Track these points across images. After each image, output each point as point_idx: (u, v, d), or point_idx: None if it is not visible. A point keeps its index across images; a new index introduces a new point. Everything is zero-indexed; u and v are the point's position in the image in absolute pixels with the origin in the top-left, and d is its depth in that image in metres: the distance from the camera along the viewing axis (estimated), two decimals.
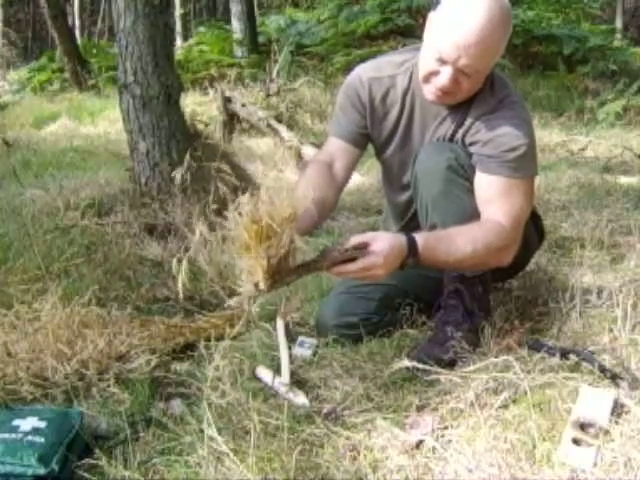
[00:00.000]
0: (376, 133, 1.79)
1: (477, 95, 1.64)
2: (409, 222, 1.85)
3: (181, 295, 1.34)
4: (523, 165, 1.61)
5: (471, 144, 1.65)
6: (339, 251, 1.42)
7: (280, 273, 1.35)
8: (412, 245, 1.48)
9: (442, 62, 1.54)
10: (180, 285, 1.33)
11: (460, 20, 1.50)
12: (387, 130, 1.77)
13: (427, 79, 1.60)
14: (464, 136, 1.67)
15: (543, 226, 1.97)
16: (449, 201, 1.63)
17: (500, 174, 1.61)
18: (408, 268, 1.51)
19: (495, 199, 1.61)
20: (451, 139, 1.68)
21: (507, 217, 1.59)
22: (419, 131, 1.74)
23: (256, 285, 1.34)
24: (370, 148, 1.86)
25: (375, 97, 1.75)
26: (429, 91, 1.61)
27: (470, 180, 1.64)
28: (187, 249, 1.39)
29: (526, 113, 1.68)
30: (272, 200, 1.30)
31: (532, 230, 1.87)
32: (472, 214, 1.62)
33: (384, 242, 1.44)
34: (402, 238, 1.48)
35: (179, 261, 1.34)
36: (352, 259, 1.43)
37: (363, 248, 1.43)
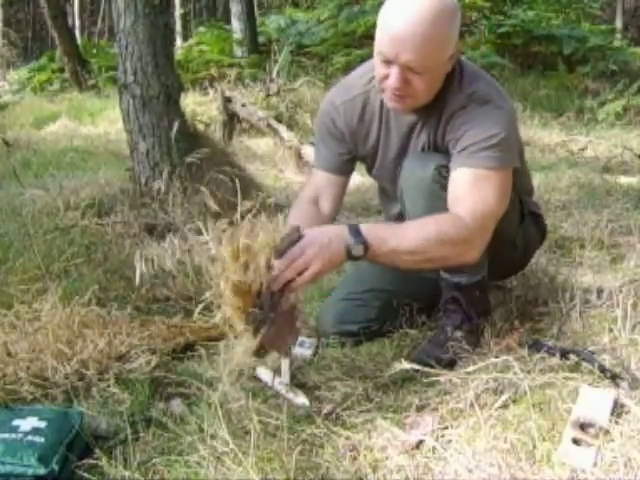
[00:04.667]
0: (361, 152, 1.77)
1: (447, 94, 1.59)
2: None
3: (137, 281, 1.36)
4: (494, 155, 1.52)
5: (447, 144, 1.60)
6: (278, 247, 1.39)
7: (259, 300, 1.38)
8: (354, 229, 1.44)
9: (387, 63, 1.49)
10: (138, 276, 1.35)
11: (394, 14, 1.46)
12: (370, 147, 1.75)
13: (382, 86, 1.55)
14: (443, 139, 1.62)
15: (545, 225, 1.96)
16: None
17: (468, 166, 1.53)
18: (357, 257, 1.43)
19: (461, 194, 1.52)
20: (434, 145, 1.64)
21: (469, 211, 1.50)
22: (398, 142, 1.70)
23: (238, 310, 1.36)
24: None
25: (352, 119, 1.72)
26: (387, 98, 1.57)
27: None
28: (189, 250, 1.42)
29: (502, 103, 1.59)
30: (252, 227, 1.35)
31: (533, 229, 1.87)
32: None
33: (315, 229, 1.42)
34: (342, 225, 1.45)
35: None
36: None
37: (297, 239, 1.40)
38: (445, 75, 1.57)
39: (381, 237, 1.45)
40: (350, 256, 1.43)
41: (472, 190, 1.52)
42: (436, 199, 1.57)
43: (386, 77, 1.51)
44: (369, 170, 1.83)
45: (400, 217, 1.80)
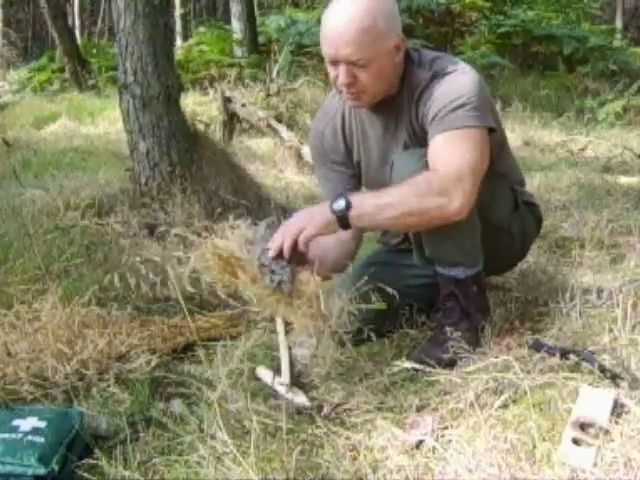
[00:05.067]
0: (354, 164, 1.81)
1: (410, 81, 1.64)
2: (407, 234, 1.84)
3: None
4: (463, 115, 1.54)
5: (422, 123, 1.63)
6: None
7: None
8: (336, 195, 1.54)
9: (334, 64, 1.58)
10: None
11: (329, 17, 1.58)
12: (357, 157, 1.79)
13: (339, 88, 1.62)
14: (417, 121, 1.65)
15: (540, 214, 1.96)
16: None
17: (440, 131, 1.56)
18: (341, 213, 1.48)
19: (437, 157, 1.55)
20: (414, 133, 1.66)
21: (442, 165, 1.52)
22: (377, 147, 1.74)
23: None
24: None
25: (337, 138, 1.79)
26: (346, 98, 1.65)
27: None
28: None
29: (466, 71, 1.61)
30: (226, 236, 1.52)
31: (529, 217, 1.87)
32: None
33: None
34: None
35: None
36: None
37: None
38: (401, 65, 1.63)
39: (361, 196, 1.56)
40: (334, 213, 1.48)
41: (445, 150, 1.56)
42: None
43: (337, 78, 1.59)
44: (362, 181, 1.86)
45: None
